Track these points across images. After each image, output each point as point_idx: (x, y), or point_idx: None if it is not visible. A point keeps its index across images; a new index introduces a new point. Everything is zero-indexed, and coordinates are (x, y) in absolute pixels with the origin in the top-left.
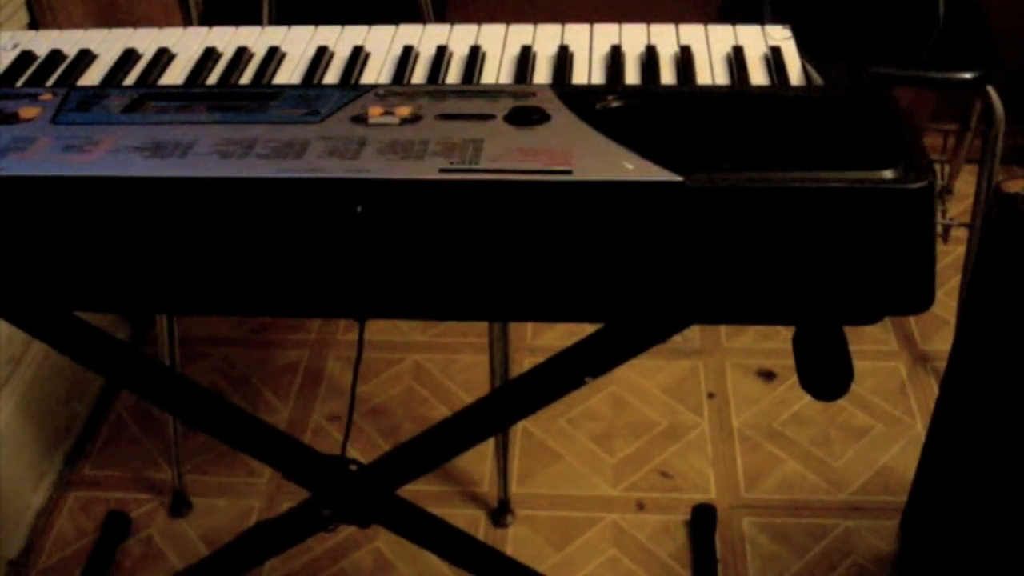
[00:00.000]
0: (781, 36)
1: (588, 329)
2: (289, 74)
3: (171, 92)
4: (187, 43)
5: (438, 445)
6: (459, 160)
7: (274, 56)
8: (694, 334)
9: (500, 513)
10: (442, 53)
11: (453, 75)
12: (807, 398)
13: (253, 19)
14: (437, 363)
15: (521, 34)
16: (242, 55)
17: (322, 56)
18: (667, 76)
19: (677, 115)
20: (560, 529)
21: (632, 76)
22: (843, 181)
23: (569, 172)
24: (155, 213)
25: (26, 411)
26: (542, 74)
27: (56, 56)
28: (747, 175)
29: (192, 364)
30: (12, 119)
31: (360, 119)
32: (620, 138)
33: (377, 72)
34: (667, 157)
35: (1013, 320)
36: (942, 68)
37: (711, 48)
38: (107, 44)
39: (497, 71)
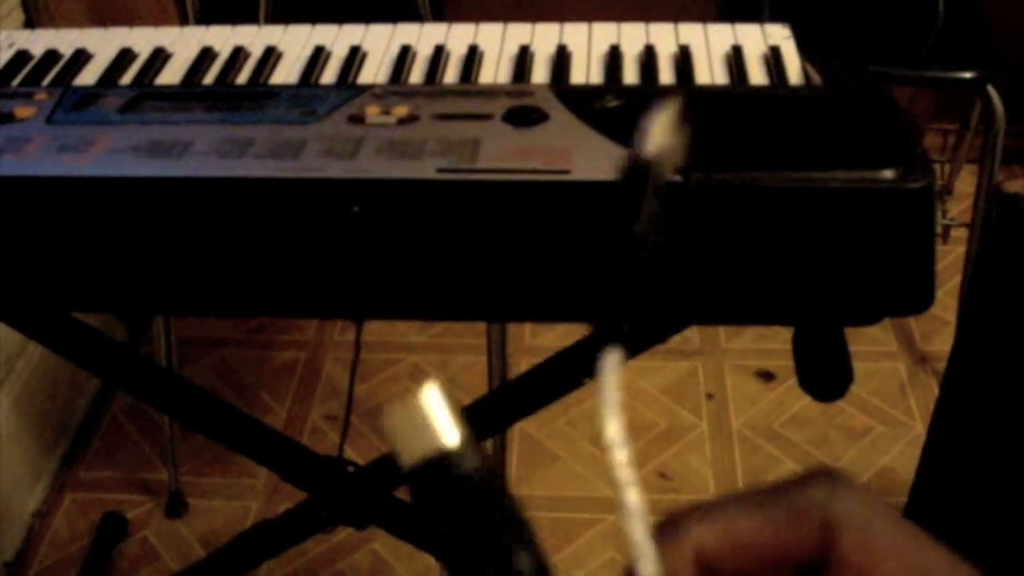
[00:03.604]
0: (780, 35)
1: (586, 330)
2: (286, 73)
3: (168, 92)
4: (184, 42)
5: None
6: (457, 160)
7: (271, 55)
8: (693, 335)
9: None
10: (440, 52)
11: (451, 74)
12: (806, 399)
13: (250, 18)
14: (435, 364)
15: (519, 33)
16: (239, 54)
17: (319, 55)
18: (666, 75)
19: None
20: (559, 531)
21: (631, 75)
22: (842, 181)
23: (567, 172)
24: (151, 213)
25: (22, 412)
26: (540, 73)
27: (52, 55)
28: (746, 175)
29: (189, 365)
30: (7, 119)
31: (357, 119)
32: (619, 138)
33: (374, 71)
34: None
35: (1013, 320)
36: (942, 67)
37: (710, 47)
38: (103, 43)
39: (495, 70)
